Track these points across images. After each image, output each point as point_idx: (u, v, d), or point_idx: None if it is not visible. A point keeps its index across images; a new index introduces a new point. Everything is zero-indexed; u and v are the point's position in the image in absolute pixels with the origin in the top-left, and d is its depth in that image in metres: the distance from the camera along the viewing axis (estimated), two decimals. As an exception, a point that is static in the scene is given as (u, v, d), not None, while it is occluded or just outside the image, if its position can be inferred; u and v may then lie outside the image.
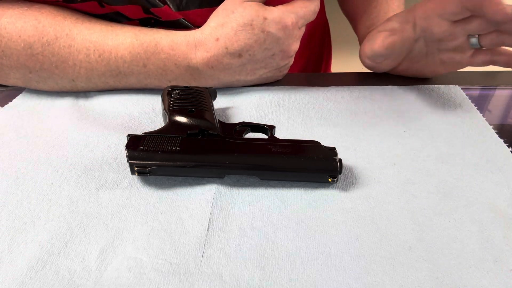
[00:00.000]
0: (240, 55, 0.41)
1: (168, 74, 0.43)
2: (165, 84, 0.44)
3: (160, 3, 0.44)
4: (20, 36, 0.41)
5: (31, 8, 0.42)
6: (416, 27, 0.43)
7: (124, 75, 0.43)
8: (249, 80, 0.45)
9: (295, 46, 0.44)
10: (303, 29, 0.45)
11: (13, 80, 0.45)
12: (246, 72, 0.44)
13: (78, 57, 0.42)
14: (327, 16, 0.72)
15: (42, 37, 0.41)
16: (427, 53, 0.45)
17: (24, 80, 0.44)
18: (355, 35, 0.58)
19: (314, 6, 0.43)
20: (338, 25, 0.79)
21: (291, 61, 0.46)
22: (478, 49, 0.41)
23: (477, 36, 0.40)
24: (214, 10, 0.43)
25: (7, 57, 0.42)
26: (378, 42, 0.45)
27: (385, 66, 0.48)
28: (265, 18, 0.40)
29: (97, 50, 0.42)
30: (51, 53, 0.42)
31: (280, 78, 0.48)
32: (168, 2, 0.44)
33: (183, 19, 0.46)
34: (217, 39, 0.41)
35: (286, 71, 0.48)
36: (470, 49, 0.42)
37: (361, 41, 0.54)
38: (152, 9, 0.44)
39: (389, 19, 0.46)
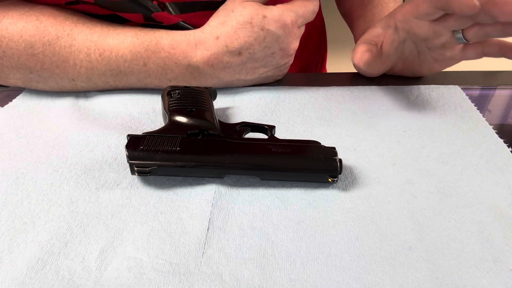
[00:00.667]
0: (240, 53, 0.41)
1: (168, 73, 0.43)
2: (165, 83, 0.44)
3: (159, 9, 0.44)
4: (21, 36, 0.41)
5: (32, 9, 0.42)
6: (399, 30, 0.44)
7: (124, 74, 0.43)
8: (249, 80, 0.45)
9: (295, 44, 0.44)
10: (303, 28, 0.45)
11: (13, 80, 0.45)
12: (246, 71, 0.44)
13: (78, 56, 0.42)
14: (324, 17, 0.72)
15: (43, 37, 0.41)
16: (419, 52, 0.45)
17: (25, 80, 0.44)
18: (351, 35, 0.58)
19: (313, 6, 0.43)
20: (334, 25, 0.80)
21: (291, 60, 0.46)
22: (467, 43, 0.41)
23: (461, 31, 0.39)
24: (214, 12, 0.43)
25: (7, 57, 0.42)
26: (357, 56, 0.47)
27: (376, 71, 0.48)
28: (264, 16, 0.40)
29: (98, 49, 0.42)
30: (52, 52, 0.42)
31: (280, 77, 0.48)
32: (169, 7, 0.44)
33: (183, 21, 0.46)
34: (217, 37, 0.41)
35: (286, 71, 0.48)
36: (458, 44, 0.41)
37: None
38: (153, 15, 0.44)
39: (374, 26, 0.47)
